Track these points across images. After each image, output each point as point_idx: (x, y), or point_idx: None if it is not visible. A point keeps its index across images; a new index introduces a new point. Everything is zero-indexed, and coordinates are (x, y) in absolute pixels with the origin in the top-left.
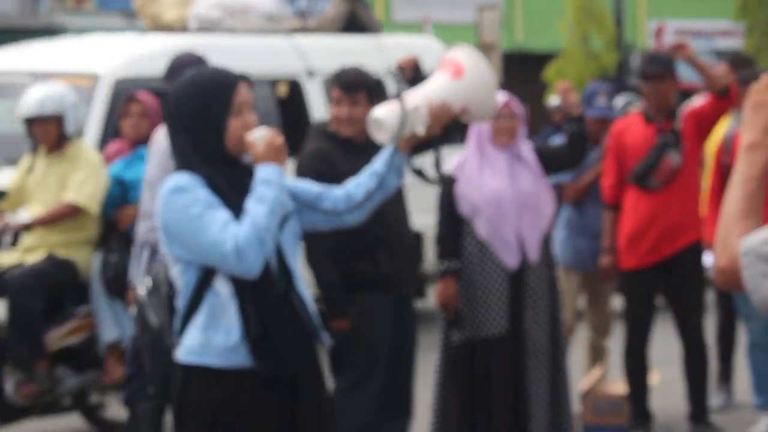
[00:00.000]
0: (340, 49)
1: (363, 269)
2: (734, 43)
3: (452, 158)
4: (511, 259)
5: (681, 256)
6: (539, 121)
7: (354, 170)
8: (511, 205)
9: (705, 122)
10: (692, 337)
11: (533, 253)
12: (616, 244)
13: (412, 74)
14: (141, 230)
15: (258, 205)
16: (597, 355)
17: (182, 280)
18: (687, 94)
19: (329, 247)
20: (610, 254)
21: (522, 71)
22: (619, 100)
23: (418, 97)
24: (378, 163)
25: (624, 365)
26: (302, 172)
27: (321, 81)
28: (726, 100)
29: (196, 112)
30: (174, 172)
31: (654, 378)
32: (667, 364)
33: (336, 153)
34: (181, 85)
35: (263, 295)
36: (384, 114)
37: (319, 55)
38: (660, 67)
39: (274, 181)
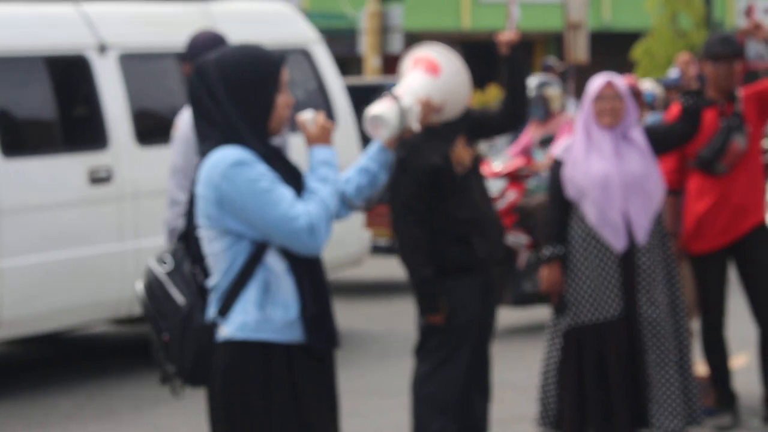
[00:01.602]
0: (147, 18)
1: (457, 255)
2: None
3: (560, 142)
4: (618, 242)
5: (750, 237)
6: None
7: (438, 160)
8: (618, 187)
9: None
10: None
11: (641, 236)
12: (684, 229)
13: (510, 53)
14: (169, 217)
15: (323, 185)
16: None
17: (229, 255)
18: (752, 74)
19: (422, 241)
20: (676, 239)
21: (609, 50)
22: (533, 81)
23: (408, 93)
24: (368, 160)
25: (702, 349)
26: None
27: (116, 57)
28: None
29: (249, 86)
30: (219, 146)
31: (740, 361)
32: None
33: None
34: (228, 59)
35: (314, 272)
36: (384, 111)
37: (114, 26)
38: (730, 47)
39: (333, 162)
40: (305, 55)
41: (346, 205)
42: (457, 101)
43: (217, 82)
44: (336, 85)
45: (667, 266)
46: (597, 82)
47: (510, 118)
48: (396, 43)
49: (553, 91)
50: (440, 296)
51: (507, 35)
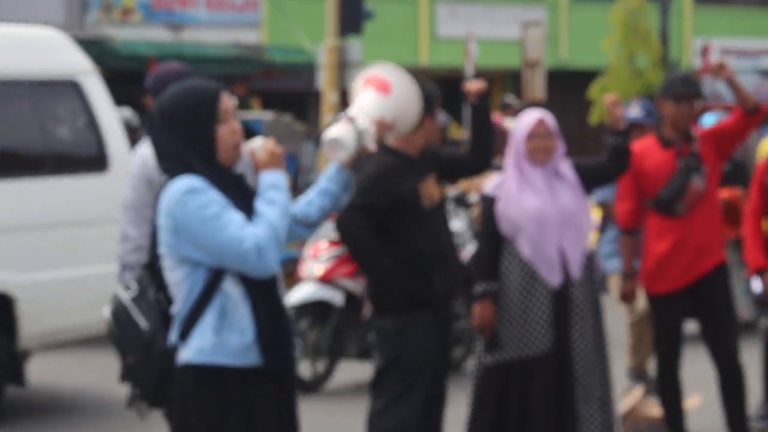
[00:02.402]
0: None
1: (417, 289)
2: None
3: (491, 178)
4: (554, 277)
5: (709, 277)
6: (583, 137)
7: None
8: (553, 223)
9: (727, 141)
10: (727, 360)
11: (576, 270)
12: (644, 269)
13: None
14: (121, 252)
15: (271, 207)
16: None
17: (187, 282)
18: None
19: (372, 240)
20: (631, 279)
21: (566, 88)
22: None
23: (363, 114)
24: (328, 181)
25: (657, 390)
26: (367, 187)
27: None
28: (755, 117)
29: (186, 121)
30: (164, 183)
31: (694, 401)
32: (707, 386)
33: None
34: (168, 98)
35: (271, 296)
36: (340, 134)
37: None
38: (692, 87)
39: (281, 186)
40: (74, 86)
41: (307, 226)
42: (408, 117)
43: (161, 120)
44: (110, 119)
45: (594, 301)
46: (528, 120)
47: (477, 161)
48: (354, 78)
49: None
50: (402, 286)
51: (476, 85)
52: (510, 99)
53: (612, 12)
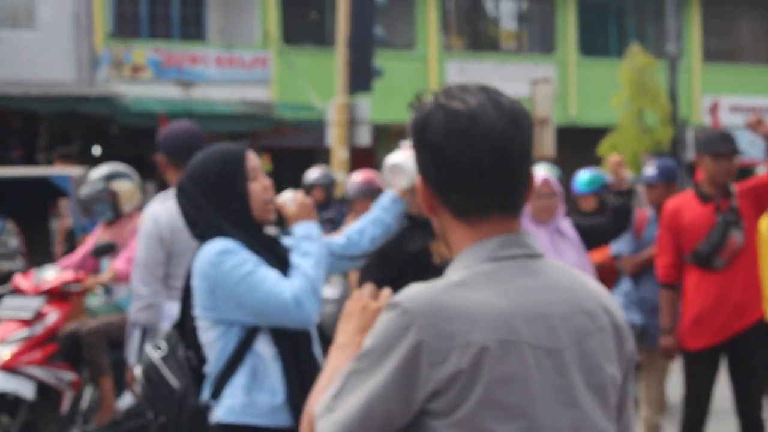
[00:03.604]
0: None
1: None
2: None
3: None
4: None
5: (746, 335)
6: None
7: (418, 249)
8: None
9: (765, 196)
10: (750, 414)
11: None
12: (679, 325)
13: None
14: (133, 310)
15: (305, 259)
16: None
17: (220, 343)
18: (745, 171)
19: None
20: (671, 334)
21: (576, 145)
22: (99, 171)
23: None
24: (381, 211)
25: None
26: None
27: None
28: None
29: (218, 184)
30: (203, 242)
31: None
32: None
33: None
34: (197, 164)
35: (302, 357)
36: (404, 159)
37: None
38: (731, 144)
39: (314, 236)
40: None
41: (354, 256)
42: None
43: (192, 187)
44: None
45: None
46: (536, 179)
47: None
48: (363, 136)
49: (126, 186)
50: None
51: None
52: None
53: (620, 69)
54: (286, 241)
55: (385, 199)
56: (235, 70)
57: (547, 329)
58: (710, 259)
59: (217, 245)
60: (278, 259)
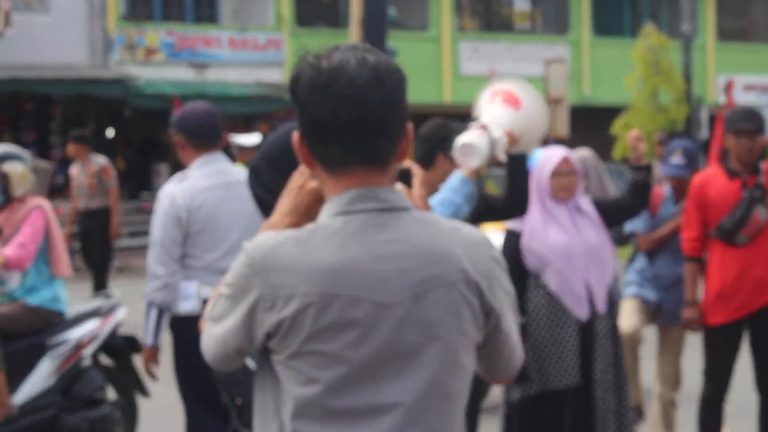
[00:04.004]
0: None
1: None
2: None
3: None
4: (581, 310)
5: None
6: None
7: None
8: (579, 257)
9: None
10: None
11: (601, 304)
12: (704, 299)
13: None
14: (147, 290)
15: None
16: (667, 408)
17: None
18: None
19: None
20: (694, 307)
21: (589, 125)
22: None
23: (495, 124)
24: (450, 192)
25: (699, 419)
26: None
27: None
28: None
29: (297, 162)
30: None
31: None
32: (737, 417)
33: None
34: (273, 143)
35: None
36: (475, 139)
37: None
38: (755, 122)
39: None
40: None
41: None
42: (535, 135)
43: (268, 166)
44: None
45: (614, 334)
46: (553, 158)
47: (513, 206)
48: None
49: (17, 168)
50: None
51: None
52: None
53: (634, 49)
54: None
55: (454, 179)
56: (249, 52)
57: (379, 283)
58: (733, 234)
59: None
60: None
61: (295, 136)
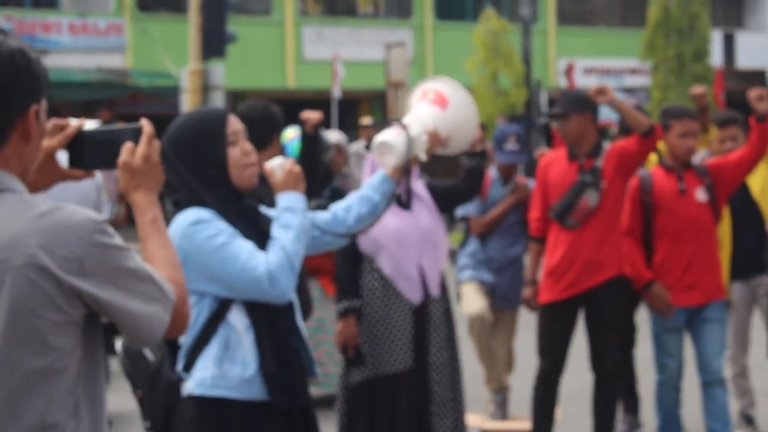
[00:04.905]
0: None
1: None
2: (642, 81)
3: (347, 198)
4: (414, 294)
5: (599, 289)
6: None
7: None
8: (413, 241)
9: (627, 161)
10: (604, 370)
11: (434, 287)
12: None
13: (313, 131)
14: None
15: (285, 231)
16: (499, 390)
17: (192, 313)
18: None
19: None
20: (532, 286)
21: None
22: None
23: (417, 124)
24: (370, 189)
25: (532, 399)
26: None
27: None
28: (651, 140)
29: (197, 148)
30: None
31: (557, 413)
32: (571, 399)
33: None
34: (176, 128)
35: (277, 327)
36: (392, 138)
37: None
38: (561, 106)
39: (298, 208)
40: None
41: (340, 234)
42: (463, 136)
43: (171, 150)
44: None
45: (448, 317)
46: None
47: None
48: (218, 102)
49: None
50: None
51: (314, 116)
52: (366, 120)
53: (474, 33)
54: (269, 211)
55: (375, 177)
56: (90, 37)
57: None
58: (563, 217)
59: (191, 215)
60: (256, 229)
61: None
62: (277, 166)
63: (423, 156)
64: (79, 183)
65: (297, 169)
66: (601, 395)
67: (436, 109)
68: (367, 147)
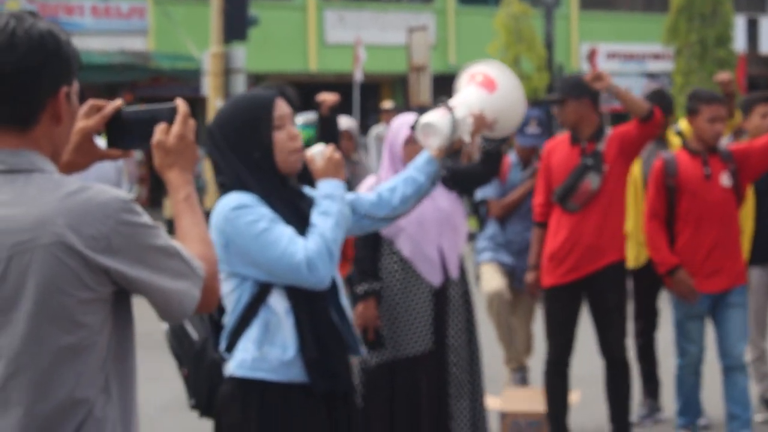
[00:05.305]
0: None
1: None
2: (665, 66)
3: (367, 179)
4: (435, 276)
5: (601, 274)
6: None
7: None
8: (432, 224)
9: (628, 145)
10: (614, 356)
11: (454, 270)
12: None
13: (329, 113)
14: None
15: (324, 219)
16: (518, 369)
17: (234, 295)
18: (619, 116)
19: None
20: (535, 271)
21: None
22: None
23: (463, 106)
24: (414, 170)
25: (544, 383)
26: None
27: None
28: (650, 124)
29: (242, 132)
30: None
31: (574, 397)
32: (589, 383)
33: None
34: (223, 111)
35: (318, 311)
36: (436, 119)
37: None
38: (559, 92)
39: (337, 195)
40: None
41: (383, 216)
42: (510, 119)
43: (218, 133)
44: None
45: (467, 299)
46: (406, 126)
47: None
48: (239, 85)
49: None
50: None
51: (330, 98)
52: (388, 104)
53: (496, 17)
54: (313, 193)
55: (420, 158)
56: (112, 20)
57: None
58: (564, 201)
59: (234, 199)
60: (299, 214)
61: None
62: (317, 153)
63: (468, 138)
64: (101, 164)
65: (338, 156)
66: (613, 380)
67: (483, 92)
68: (412, 127)
